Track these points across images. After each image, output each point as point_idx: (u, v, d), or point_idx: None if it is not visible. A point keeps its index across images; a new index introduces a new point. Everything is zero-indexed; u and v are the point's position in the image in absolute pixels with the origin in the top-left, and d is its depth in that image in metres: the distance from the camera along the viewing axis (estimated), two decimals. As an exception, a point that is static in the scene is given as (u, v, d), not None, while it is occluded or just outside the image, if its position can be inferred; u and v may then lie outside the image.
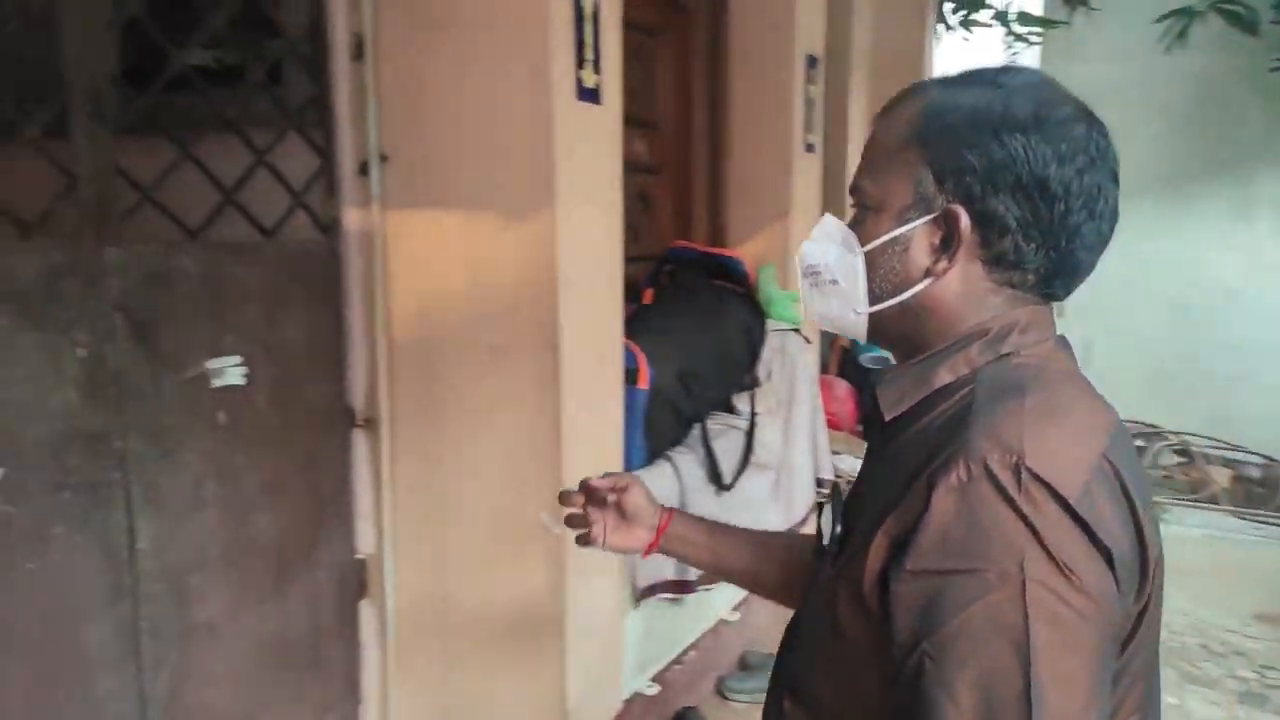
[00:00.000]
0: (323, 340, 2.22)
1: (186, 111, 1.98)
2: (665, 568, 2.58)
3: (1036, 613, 0.71)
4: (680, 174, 3.49)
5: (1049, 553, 0.72)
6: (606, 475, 1.23)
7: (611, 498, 1.19)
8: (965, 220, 0.83)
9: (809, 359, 3.33)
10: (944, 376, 0.86)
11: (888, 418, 0.89)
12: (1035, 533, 0.72)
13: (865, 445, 1.01)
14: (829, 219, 0.94)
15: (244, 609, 2.07)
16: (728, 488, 2.77)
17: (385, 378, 2.25)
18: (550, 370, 2.07)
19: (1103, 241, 0.86)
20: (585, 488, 1.22)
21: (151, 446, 1.83)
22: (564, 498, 1.23)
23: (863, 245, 0.89)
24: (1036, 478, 0.73)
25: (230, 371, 1.98)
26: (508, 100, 2.02)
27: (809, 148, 3.47)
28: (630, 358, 2.40)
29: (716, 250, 3.12)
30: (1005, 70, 0.87)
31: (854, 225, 0.90)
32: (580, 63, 2.08)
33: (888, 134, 0.89)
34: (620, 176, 2.28)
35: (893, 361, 0.94)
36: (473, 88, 2.07)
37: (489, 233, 2.06)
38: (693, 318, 2.81)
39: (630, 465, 2.43)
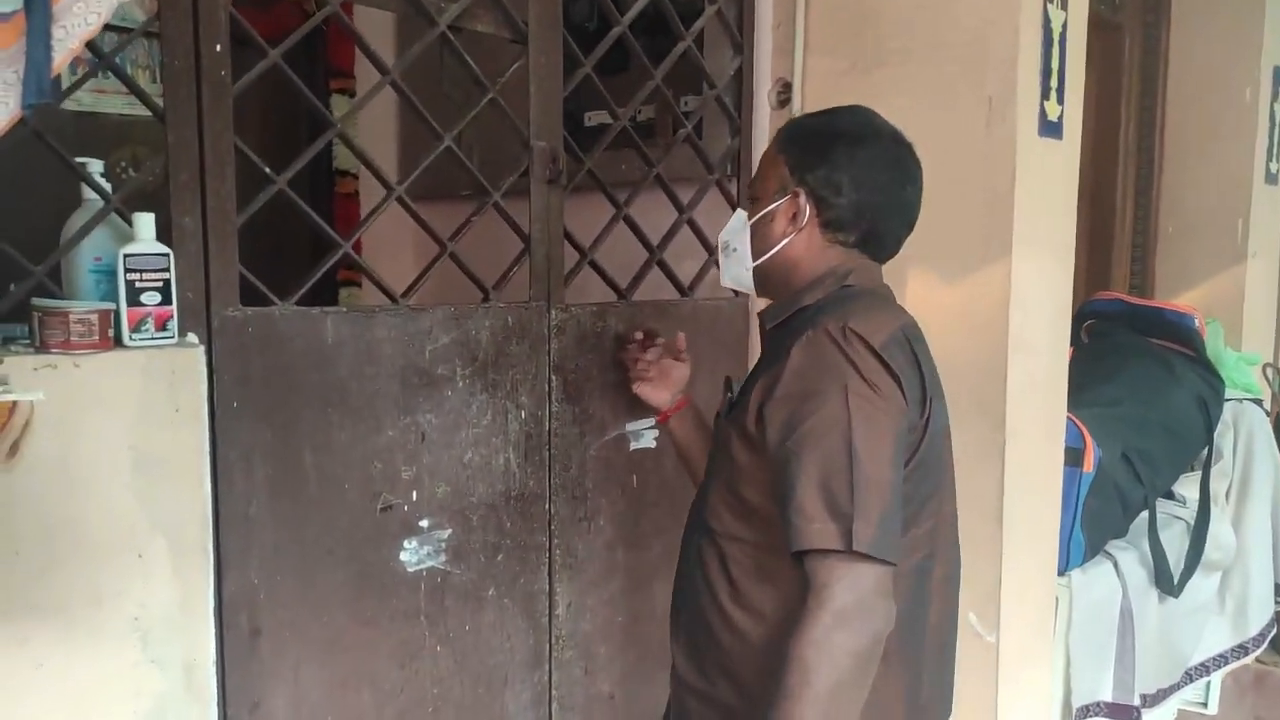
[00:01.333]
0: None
1: (616, 169, 1.94)
2: (1102, 686, 2.16)
3: (855, 410, 1.13)
4: (1098, 209, 3.03)
5: (861, 375, 1.15)
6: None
7: (656, 355, 1.69)
8: (803, 197, 1.27)
9: (1268, 434, 2.72)
10: (806, 299, 1.28)
11: (767, 327, 1.34)
12: (854, 364, 1.15)
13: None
14: (740, 211, 1.39)
15: (641, 682, 1.97)
16: (1174, 592, 2.28)
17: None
18: (994, 445, 1.78)
19: (903, 219, 1.31)
20: (649, 333, 1.73)
21: (574, 510, 1.78)
22: (641, 334, 1.73)
23: (749, 221, 1.33)
24: (854, 332, 1.16)
25: (645, 434, 1.90)
26: (957, 139, 1.77)
27: (1271, 178, 2.87)
28: (1074, 434, 2.03)
29: (1158, 304, 2.64)
30: (842, 106, 1.34)
31: (747, 209, 1.36)
32: (1045, 92, 1.78)
33: (769, 148, 1.35)
34: (1074, 224, 1.94)
35: None
36: (915, 127, 1.83)
37: (926, 288, 1.82)
38: (1135, 385, 2.36)
39: (1067, 561, 2.06)
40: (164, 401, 1.22)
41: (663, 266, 1.94)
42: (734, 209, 2.06)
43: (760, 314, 1.37)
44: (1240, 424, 2.65)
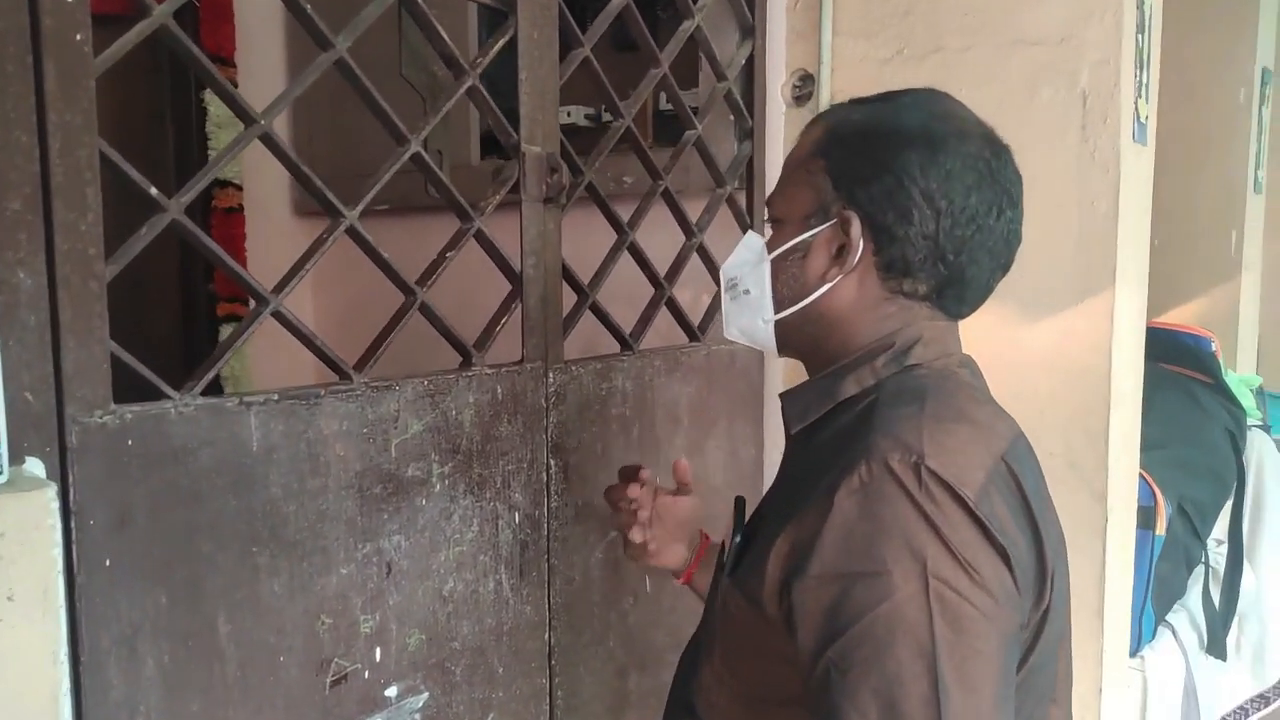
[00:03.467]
0: (742, 469, 1.69)
1: (603, 178, 1.52)
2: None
3: (940, 610, 0.70)
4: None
5: (951, 550, 0.71)
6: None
7: (649, 497, 1.14)
8: (857, 225, 0.84)
9: (1277, 464, 2.53)
10: (850, 388, 0.86)
11: (792, 430, 0.91)
12: (936, 530, 0.72)
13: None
14: (750, 234, 0.97)
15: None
16: (1224, 656, 2.03)
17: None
18: (1095, 521, 1.45)
19: (997, 260, 0.87)
20: (635, 473, 1.13)
21: (577, 635, 1.34)
22: (623, 473, 1.15)
23: (770, 254, 0.90)
24: (936, 476, 0.73)
25: (659, 520, 1.48)
26: (1041, 146, 1.43)
27: (1259, 187, 2.69)
28: (1144, 491, 1.73)
29: (1171, 325, 2.40)
30: (908, 90, 0.89)
31: (769, 239, 0.91)
32: (1138, 88, 1.46)
33: (799, 150, 0.91)
34: (1149, 244, 1.64)
35: None
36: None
37: (1007, 328, 1.47)
38: (1170, 423, 2.10)
39: (1139, 639, 1.76)
40: (-15, 588, 0.72)
41: (672, 305, 1.52)
42: (744, 229, 1.67)
43: (783, 399, 0.93)
44: (1250, 453, 2.45)
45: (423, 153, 1.08)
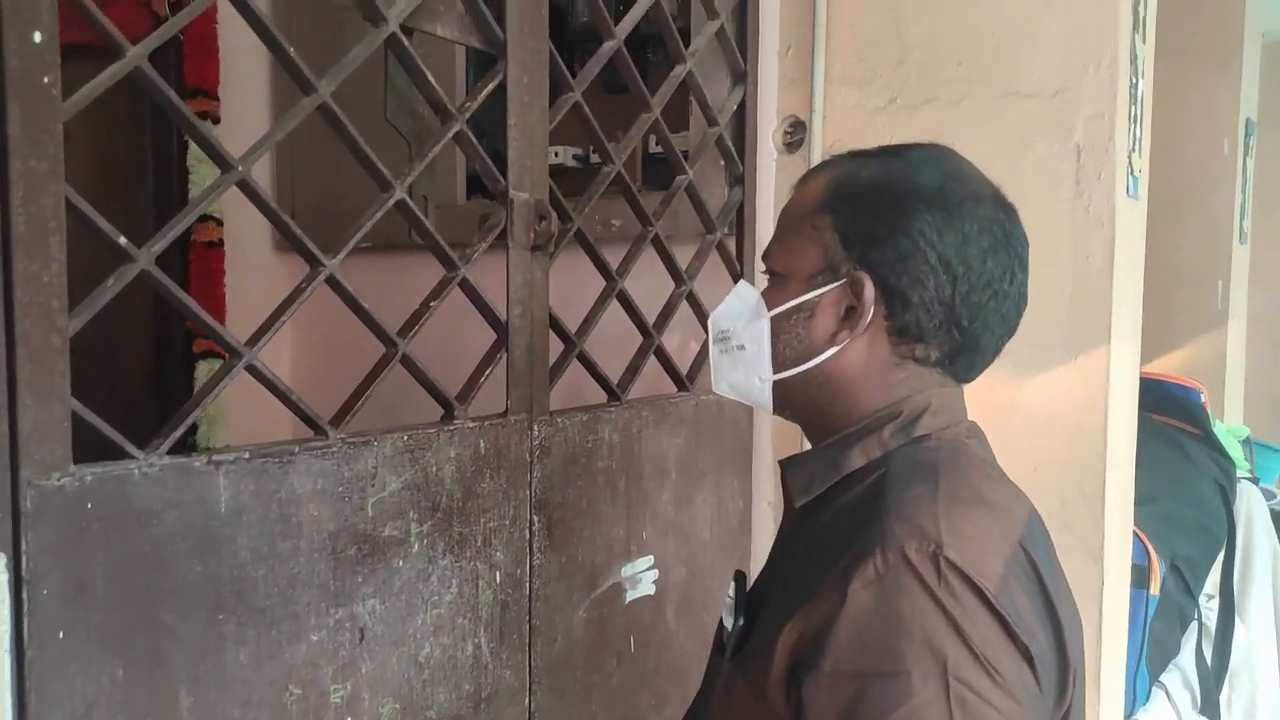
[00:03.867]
0: (729, 522, 1.65)
1: (590, 221, 1.49)
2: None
3: (961, 715, 0.66)
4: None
5: (971, 650, 0.67)
6: None
7: None
8: (870, 288, 0.81)
9: (1266, 516, 2.51)
10: (856, 460, 0.82)
11: (798, 504, 0.86)
12: (957, 628, 0.68)
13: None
14: (743, 284, 0.94)
15: None
16: (1216, 716, 2.00)
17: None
18: (1091, 584, 1.42)
19: (1008, 325, 0.85)
20: None
21: (559, 699, 1.29)
22: None
23: (770, 310, 0.85)
24: (956, 568, 0.69)
25: (644, 578, 1.44)
26: (1035, 200, 1.41)
27: (1244, 237, 2.70)
28: (1138, 549, 1.70)
29: (1159, 375, 2.39)
30: (916, 146, 0.86)
31: (766, 292, 0.87)
32: (1132, 142, 1.45)
33: (801, 202, 0.87)
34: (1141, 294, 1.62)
35: None
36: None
37: (999, 384, 1.44)
38: (1160, 477, 2.07)
39: (1133, 702, 1.72)
40: (-76, 670, 0.67)
41: (660, 353, 1.49)
42: (735, 277, 1.65)
43: (785, 467, 0.88)
44: (1239, 506, 2.43)
45: (408, 199, 1.05)
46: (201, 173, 2.33)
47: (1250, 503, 2.45)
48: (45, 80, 0.75)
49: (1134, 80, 1.45)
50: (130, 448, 0.83)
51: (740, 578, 0.88)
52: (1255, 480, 2.49)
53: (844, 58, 1.58)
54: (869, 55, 1.55)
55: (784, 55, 1.65)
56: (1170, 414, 2.33)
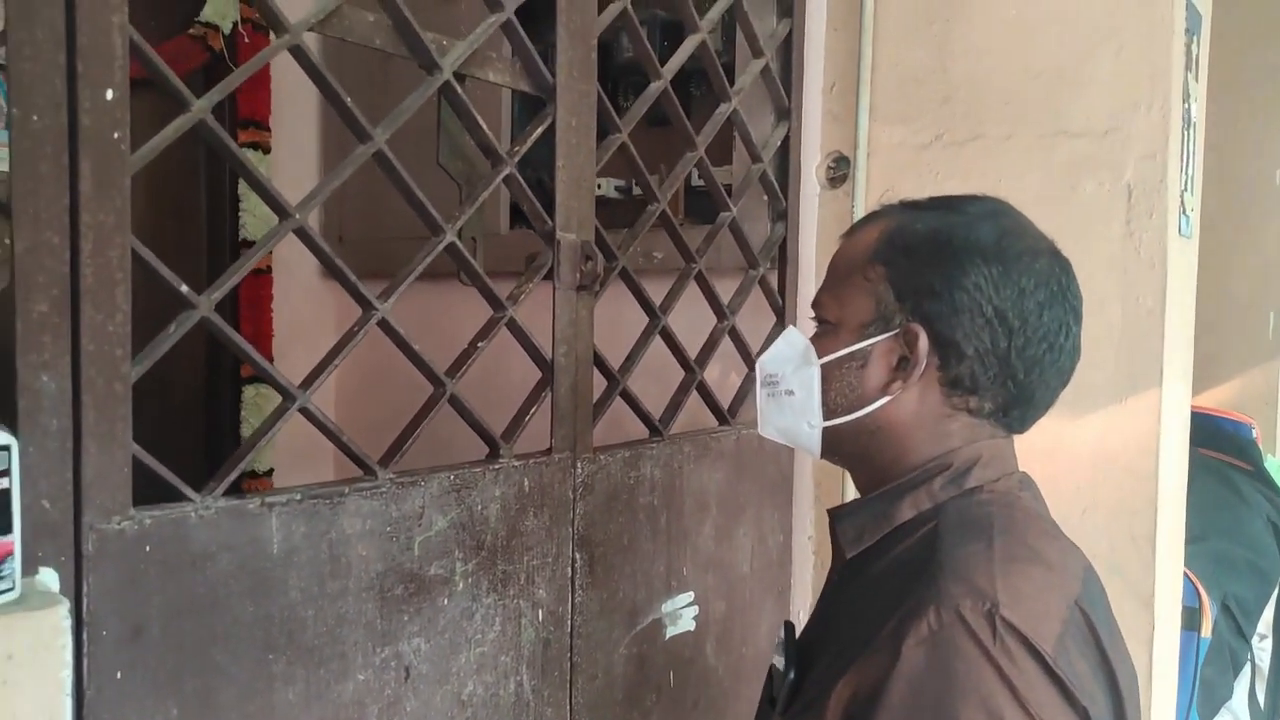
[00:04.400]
0: (769, 557, 1.65)
1: (633, 256, 1.50)
2: None
3: None
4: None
5: (1029, 713, 0.66)
6: None
7: None
8: (924, 340, 0.81)
9: (1320, 553, 2.45)
10: (906, 511, 0.82)
11: (848, 555, 0.86)
12: (1013, 690, 0.66)
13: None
14: (791, 330, 0.94)
15: None
16: (1271, 757, 1.94)
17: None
18: (1142, 630, 1.39)
19: (1062, 378, 0.84)
20: None
21: (601, 735, 1.29)
22: None
23: (821, 358, 0.87)
24: (1013, 628, 0.68)
25: (684, 614, 1.43)
26: (1084, 240, 1.40)
27: (1298, 267, 2.65)
28: (1189, 591, 1.67)
29: (1212, 410, 2.34)
30: (969, 198, 0.87)
31: (815, 339, 0.89)
32: (1184, 182, 1.43)
33: (852, 251, 0.88)
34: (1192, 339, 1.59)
35: None
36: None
37: (1050, 427, 1.42)
38: (1209, 515, 2.03)
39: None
40: (-10, 714, 0.69)
41: (703, 389, 1.49)
42: (779, 317, 1.65)
43: (834, 517, 0.89)
44: (1289, 542, 2.36)
45: (458, 243, 1.07)
46: (252, 202, 2.38)
47: (1300, 540, 2.39)
48: (115, 136, 0.78)
49: (1187, 119, 1.43)
50: (187, 490, 0.85)
51: (790, 628, 0.88)
52: (1306, 516, 2.43)
53: (888, 94, 1.57)
54: (914, 92, 1.55)
55: (828, 92, 1.65)
56: (1221, 449, 2.28)
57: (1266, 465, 2.41)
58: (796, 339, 0.91)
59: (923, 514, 0.81)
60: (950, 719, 0.66)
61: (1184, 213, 1.43)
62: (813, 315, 0.91)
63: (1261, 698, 2.02)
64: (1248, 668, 1.96)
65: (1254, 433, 2.29)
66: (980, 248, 0.80)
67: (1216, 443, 2.29)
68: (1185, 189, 1.44)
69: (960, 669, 0.67)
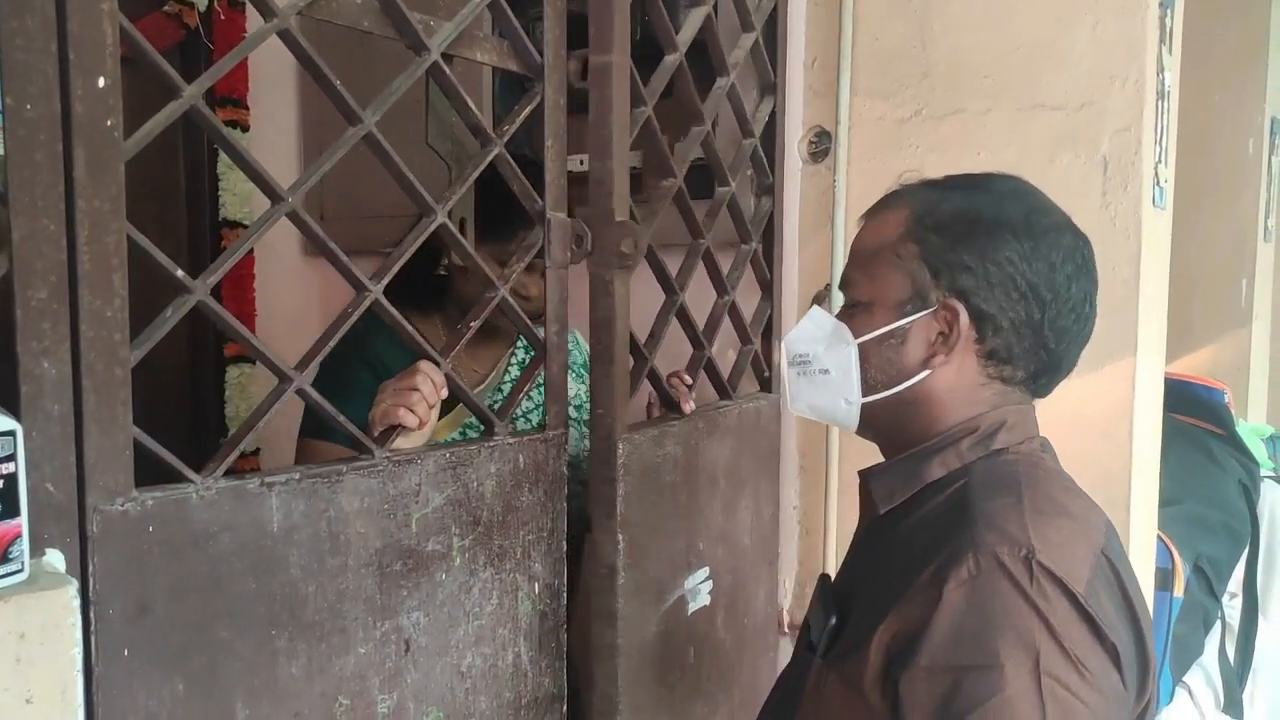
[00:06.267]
0: (764, 528, 1.68)
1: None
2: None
3: (1052, 706, 0.70)
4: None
5: (1062, 646, 0.72)
6: None
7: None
8: (964, 315, 0.86)
9: (1289, 514, 2.51)
10: (935, 470, 0.87)
11: (881, 511, 0.91)
12: (1048, 625, 0.72)
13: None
14: (817, 310, 0.97)
15: None
16: (1241, 716, 2.01)
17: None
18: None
19: (1083, 344, 0.91)
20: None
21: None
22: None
23: (857, 337, 0.90)
24: (1047, 571, 0.73)
25: (701, 589, 1.46)
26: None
27: (1268, 235, 2.70)
28: (1162, 553, 1.72)
29: (1186, 376, 2.39)
30: (990, 177, 0.91)
31: (846, 318, 0.92)
32: (1159, 154, 1.46)
33: (880, 231, 0.91)
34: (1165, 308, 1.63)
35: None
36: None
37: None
38: (1186, 478, 2.08)
39: (1156, 703, 1.73)
40: (6, 693, 0.71)
41: (710, 367, 1.51)
42: (764, 290, 1.67)
43: (866, 477, 0.94)
44: (1263, 505, 2.43)
45: (448, 223, 1.08)
46: (231, 180, 2.37)
47: (1274, 502, 2.46)
48: (109, 123, 0.78)
49: (1160, 92, 1.46)
50: (188, 472, 0.86)
51: (825, 579, 0.94)
52: (1279, 479, 2.49)
53: (869, 70, 1.59)
54: (894, 67, 1.56)
55: (810, 67, 1.67)
56: (1194, 414, 2.33)
57: (1238, 429, 2.47)
58: (824, 318, 0.95)
59: (951, 473, 0.87)
60: (990, 651, 0.72)
61: (1158, 184, 1.46)
62: (847, 299, 0.95)
63: (1231, 653, 2.09)
64: (1218, 625, 2.02)
65: (1226, 398, 2.35)
66: (1011, 224, 0.85)
67: (1191, 408, 2.35)
68: (1159, 161, 1.46)
69: (999, 607, 0.73)
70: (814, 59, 1.66)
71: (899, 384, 0.89)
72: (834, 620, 0.88)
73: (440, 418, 1.31)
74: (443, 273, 1.40)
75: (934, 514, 0.85)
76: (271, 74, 2.37)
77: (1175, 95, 1.56)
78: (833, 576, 0.99)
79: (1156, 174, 1.46)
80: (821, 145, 1.66)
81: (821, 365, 0.94)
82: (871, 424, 0.93)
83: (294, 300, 2.46)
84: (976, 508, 0.80)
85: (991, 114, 1.49)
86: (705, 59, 1.47)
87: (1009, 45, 1.46)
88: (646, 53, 1.34)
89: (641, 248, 1.24)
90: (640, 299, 1.28)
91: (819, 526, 1.67)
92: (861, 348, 0.90)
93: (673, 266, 1.43)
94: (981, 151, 1.48)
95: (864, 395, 0.91)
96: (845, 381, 0.92)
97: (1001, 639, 0.72)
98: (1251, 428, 2.55)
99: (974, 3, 1.49)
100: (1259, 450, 2.52)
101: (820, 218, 1.63)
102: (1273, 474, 2.50)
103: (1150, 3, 1.37)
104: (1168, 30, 1.45)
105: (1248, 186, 2.61)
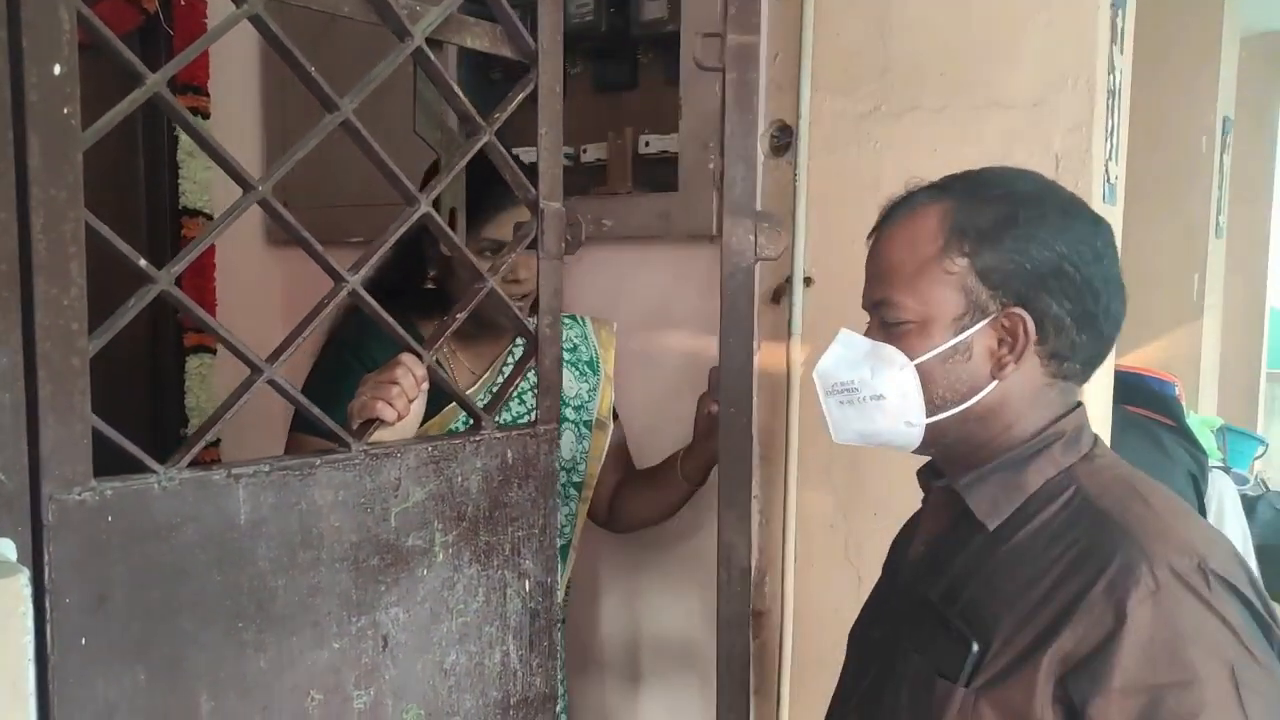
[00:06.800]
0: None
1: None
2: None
3: (1253, 712, 0.71)
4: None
5: (1251, 654, 0.74)
6: None
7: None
8: (1029, 320, 0.85)
9: (1237, 505, 2.59)
10: (1034, 480, 0.87)
11: (991, 526, 0.88)
12: (1235, 634, 0.74)
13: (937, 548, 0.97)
14: (848, 334, 0.94)
15: None
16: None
17: (794, 560, 1.70)
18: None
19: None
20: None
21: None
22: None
23: (914, 358, 0.88)
24: (1220, 577, 0.75)
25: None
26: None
27: (1220, 231, 2.76)
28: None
29: (1138, 369, 2.45)
30: (1016, 174, 0.91)
31: (893, 339, 0.90)
32: (1109, 151, 1.50)
33: (916, 247, 0.88)
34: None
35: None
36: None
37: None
38: (1136, 468, 2.13)
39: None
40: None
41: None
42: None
43: (963, 492, 0.91)
44: (1211, 494, 2.50)
45: (433, 213, 1.07)
46: (191, 167, 2.34)
47: (1221, 490, 2.53)
48: (65, 111, 0.78)
49: (1112, 91, 1.49)
50: (151, 463, 0.86)
51: (930, 603, 0.90)
52: (1227, 469, 2.56)
53: (830, 65, 1.61)
54: (854, 64, 1.59)
55: (772, 62, 1.68)
56: (1146, 406, 2.39)
57: (1188, 421, 2.53)
58: (859, 342, 0.93)
59: (1050, 482, 0.87)
60: (1185, 665, 0.73)
61: (1108, 181, 1.50)
62: (891, 319, 0.91)
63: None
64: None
65: (1177, 390, 2.41)
66: (1057, 225, 0.86)
67: (1142, 400, 2.41)
68: (1110, 158, 1.50)
69: (1186, 621, 0.74)
70: (776, 54, 1.67)
71: (970, 399, 0.88)
72: (976, 648, 0.84)
73: (431, 418, 1.32)
74: (430, 286, 1.40)
75: (1058, 526, 0.84)
76: (232, 60, 2.34)
77: (1127, 94, 1.59)
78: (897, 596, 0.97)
79: (1107, 171, 1.49)
80: (782, 140, 1.68)
81: (873, 391, 0.91)
82: (936, 441, 0.92)
83: (257, 290, 2.44)
84: (1121, 517, 0.80)
85: (947, 111, 1.52)
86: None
87: (965, 43, 1.48)
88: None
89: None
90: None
91: (778, 515, 1.70)
92: (924, 368, 0.88)
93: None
94: (938, 148, 1.51)
95: (930, 415, 0.89)
96: (905, 405, 0.89)
97: (1195, 653, 0.73)
98: (1201, 420, 2.62)
99: (932, 0, 1.52)
100: (1208, 441, 2.59)
101: (781, 212, 1.64)
102: (1221, 465, 2.57)
103: (1102, 3, 1.40)
104: (1119, 30, 1.49)
105: (1200, 183, 2.67)
